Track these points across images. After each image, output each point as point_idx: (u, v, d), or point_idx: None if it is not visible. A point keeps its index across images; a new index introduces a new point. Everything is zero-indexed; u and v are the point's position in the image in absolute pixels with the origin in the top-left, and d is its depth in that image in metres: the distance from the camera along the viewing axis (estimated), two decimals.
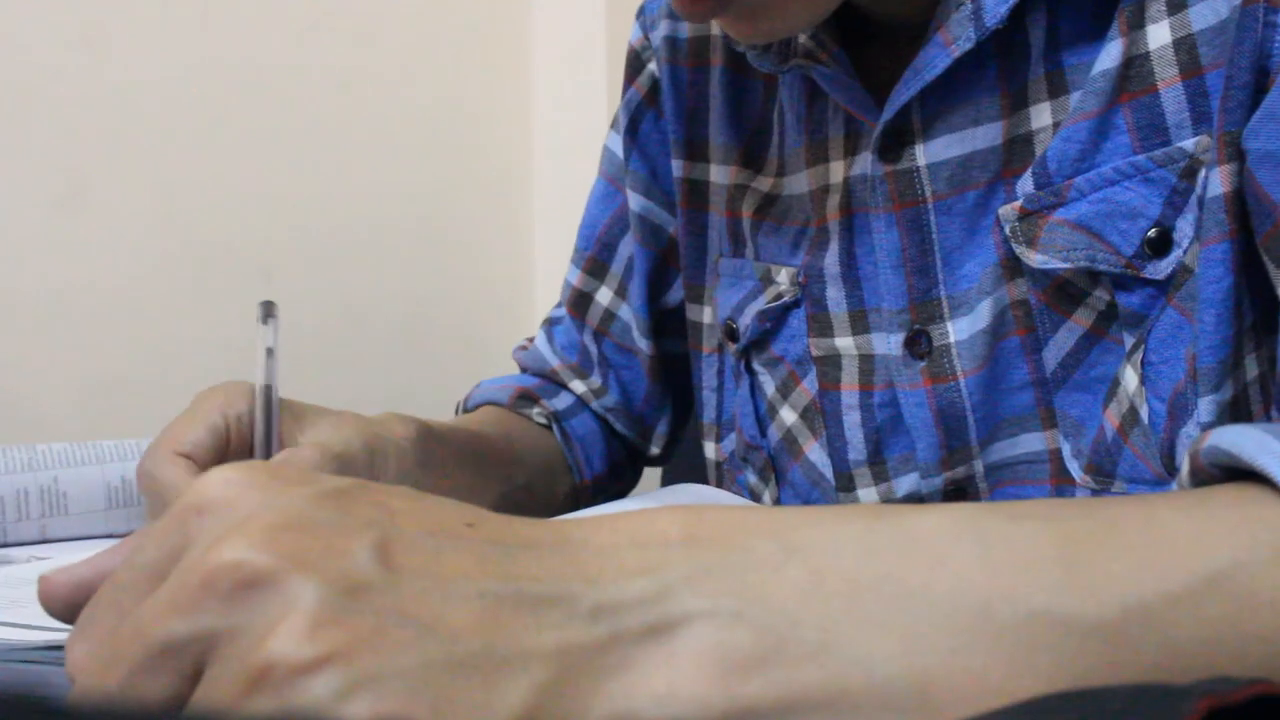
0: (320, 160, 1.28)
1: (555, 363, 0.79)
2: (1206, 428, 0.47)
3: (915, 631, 0.25)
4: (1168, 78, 0.49)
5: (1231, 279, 0.46)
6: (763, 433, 0.67)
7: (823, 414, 0.62)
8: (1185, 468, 0.34)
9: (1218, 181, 0.46)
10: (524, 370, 0.83)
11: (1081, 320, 0.53)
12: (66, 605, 0.28)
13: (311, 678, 0.22)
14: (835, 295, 0.61)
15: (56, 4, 1.07)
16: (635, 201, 0.74)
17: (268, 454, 0.55)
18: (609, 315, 0.78)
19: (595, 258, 0.78)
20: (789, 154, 0.64)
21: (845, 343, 0.61)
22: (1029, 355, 0.55)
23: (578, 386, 0.78)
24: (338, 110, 1.30)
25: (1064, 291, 0.53)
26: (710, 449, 0.73)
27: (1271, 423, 0.32)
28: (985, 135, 0.54)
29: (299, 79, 1.26)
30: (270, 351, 0.55)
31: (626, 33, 0.76)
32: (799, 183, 0.63)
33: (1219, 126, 0.46)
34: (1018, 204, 0.53)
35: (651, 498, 0.72)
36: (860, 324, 0.60)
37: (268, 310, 0.55)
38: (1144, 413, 0.50)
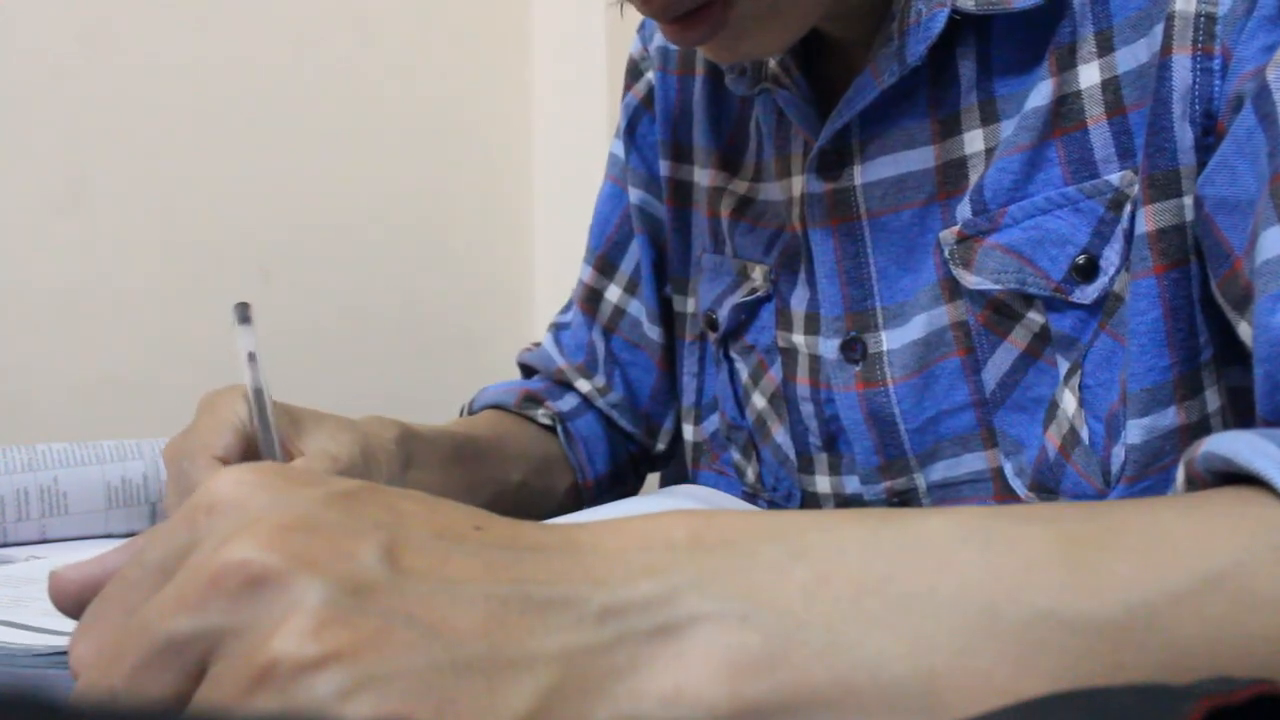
0: (320, 160, 1.28)
1: (561, 363, 0.81)
2: (1132, 449, 0.50)
3: (921, 632, 0.25)
4: (1095, 115, 0.52)
5: (1159, 312, 0.49)
6: (741, 414, 0.70)
7: (786, 401, 0.66)
8: (1181, 475, 0.34)
9: (1143, 220, 0.49)
10: (529, 371, 0.85)
11: (1017, 341, 0.55)
12: (76, 602, 0.28)
13: (315, 676, 0.22)
14: (799, 295, 0.65)
15: (56, 4, 1.07)
16: (634, 194, 0.77)
17: (273, 456, 0.55)
18: (618, 312, 0.80)
19: (605, 256, 0.80)
20: (765, 162, 0.68)
21: (799, 339, 0.65)
22: (970, 376, 0.57)
23: (583, 386, 0.80)
24: (337, 110, 1.30)
25: (1000, 313, 0.55)
26: (689, 431, 0.76)
27: (1266, 429, 0.33)
28: (918, 158, 0.57)
29: (299, 78, 1.26)
30: (252, 356, 0.54)
31: (626, 32, 0.78)
32: (774, 190, 0.67)
33: (1144, 169, 0.49)
34: (956, 228, 0.56)
35: (648, 499, 0.72)
36: (812, 325, 0.64)
37: (243, 313, 0.54)
38: (1084, 434, 0.53)
